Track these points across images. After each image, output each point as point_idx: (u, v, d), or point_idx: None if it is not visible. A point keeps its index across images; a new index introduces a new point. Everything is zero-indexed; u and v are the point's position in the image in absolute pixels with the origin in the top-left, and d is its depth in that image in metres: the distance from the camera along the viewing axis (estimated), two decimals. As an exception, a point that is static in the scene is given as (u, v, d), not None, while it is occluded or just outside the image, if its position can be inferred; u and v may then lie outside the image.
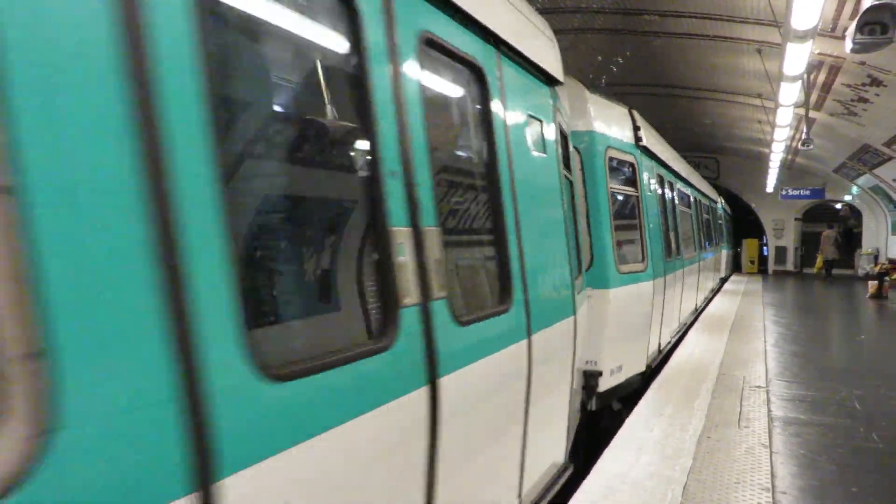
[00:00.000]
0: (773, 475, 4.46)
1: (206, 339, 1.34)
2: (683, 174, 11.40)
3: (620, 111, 7.30)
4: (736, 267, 28.41)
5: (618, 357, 6.54)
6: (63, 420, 1.10)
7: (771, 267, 28.16)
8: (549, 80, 4.15)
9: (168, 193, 1.30)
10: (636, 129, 7.42)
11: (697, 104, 18.61)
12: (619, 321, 6.46)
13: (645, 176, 7.74)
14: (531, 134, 3.67)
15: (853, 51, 6.22)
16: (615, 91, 17.03)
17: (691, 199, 12.56)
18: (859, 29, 5.93)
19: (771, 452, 4.92)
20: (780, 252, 28.08)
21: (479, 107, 3.12)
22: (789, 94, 9.11)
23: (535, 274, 3.43)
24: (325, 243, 3.44)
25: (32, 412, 1.07)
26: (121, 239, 1.22)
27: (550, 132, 4.07)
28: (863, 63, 10.43)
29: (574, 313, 4.17)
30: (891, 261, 20.39)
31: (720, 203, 20.43)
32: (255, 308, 2.20)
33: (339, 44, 2.23)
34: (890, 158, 16.38)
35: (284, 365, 1.59)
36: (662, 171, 9.16)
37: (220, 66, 2.20)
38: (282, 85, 2.95)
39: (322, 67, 2.62)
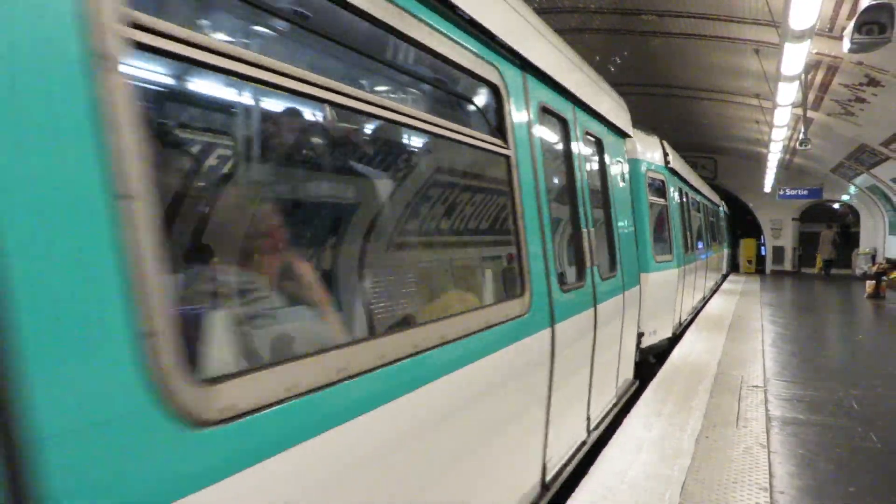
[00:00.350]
0: (771, 475, 4.47)
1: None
2: (696, 185, 13.94)
3: (654, 141, 9.40)
4: (733, 267, 28.44)
5: (653, 324, 8.37)
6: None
7: (769, 267, 28.17)
8: (624, 135, 6.31)
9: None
10: (665, 154, 9.61)
11: (695, 104, 18.63)
12: (654, 297, 8.35)
13: (671, 189, 10.00)
14: (618, 171, 5.99)
15: (851, 51, 6.23)
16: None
17: (701, 205, 14.84)
18: (857, 29, 5.94)
19: (769, 452, 4.92)
20: (778, 252, 28.09)
21: (598, 158, 5.45)
22: (787, 94, 9.11)
23: (625, 255, 5.78)
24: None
25: None
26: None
27: (626, 168, 6.39)
28: (860, 63, 10.44)
29: (639, 283, 6.46)
30: (888, 260, 20.43)
31: (722, 206, 22.38)
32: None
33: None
34: (887, 158, 16.40)
35: None
36: (682, 185, 11.40)
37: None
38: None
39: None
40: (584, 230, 4.44)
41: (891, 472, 4.68)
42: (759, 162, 23.48)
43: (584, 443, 4.57)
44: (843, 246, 26.08)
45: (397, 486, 2.09)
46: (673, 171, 10.09)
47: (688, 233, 11.42)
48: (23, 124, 1.05)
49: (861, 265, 24.16)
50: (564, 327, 3.72)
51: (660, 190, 9.33)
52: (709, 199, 17.11)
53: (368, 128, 3.87)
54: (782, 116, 11.10)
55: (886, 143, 14.96)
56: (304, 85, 1.75)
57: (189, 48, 1.37)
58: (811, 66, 11.11)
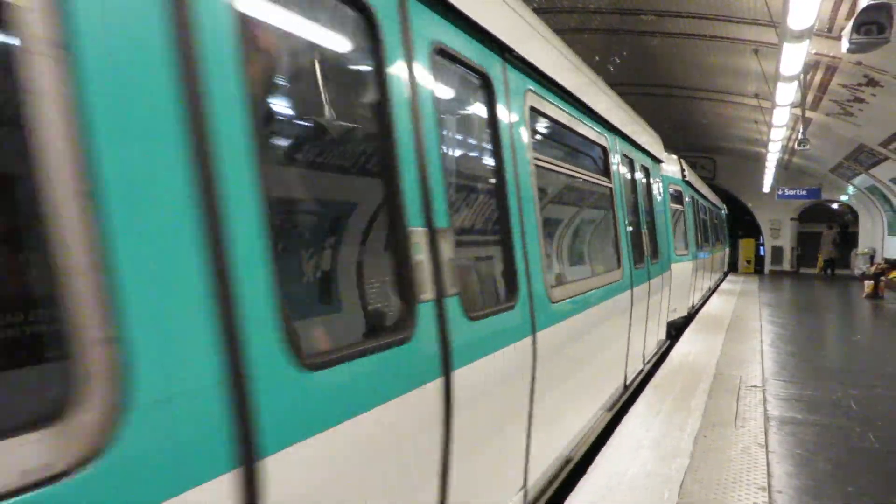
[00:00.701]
0: (769, 474, 4.48)
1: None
2: (704, 193, 16.68)
3: (674, 158, 11.76)
4: (732, 267, 28.43)
5: (674, 304, 10.20)
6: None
7: (767, 267, 28.18)
8: (658, 160, 8.45)
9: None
10: (682, 169, 12.07)
11: (694, 104, 18.64)
12: (675, 283, 9.93)
13: (686, 197, 12.43)
14: (657, 188, 8.28)
15: (850, 51, 6.24)
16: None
17: (707, 209, 17.12)
18: (856, 29, 5.95)
19: (767, 452, 4.93)
20: (777, 252, 28.09)
21: (645, 181, 7.52)
22: (786, 94, 9.12)
23: (662, 248, 8.04)
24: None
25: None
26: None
27: (661, 185, 8.69)
28: (859, 63, 10.45)
29: (670, 269, 8.85)
30: (887, 261, 20.45)
31: (724, 210, 24.33)
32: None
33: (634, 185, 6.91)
34: (886, 158, 16.42)
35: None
36: (694, 193, 13.80)
37: None
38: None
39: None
40: (644, 231, 6.98)
41: (889, 472, 4.68)
42: (758, 162, 23.49)
43: (641, 371, 7.10)
44: (843, 246, 26.16)
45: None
46: (687, 183, 12.58)
47: (698, 233, 13.66)
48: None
49: (860, 265, 24.20)
50: (636, 290, 6.20)
51: (678, 198, 11.55)
52: (713, 204, 19.50)
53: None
54: (781, 116, 11.11)
55: (885, 143, 14.97)
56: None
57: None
58: (810, 67, 11.12)
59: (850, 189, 24.02)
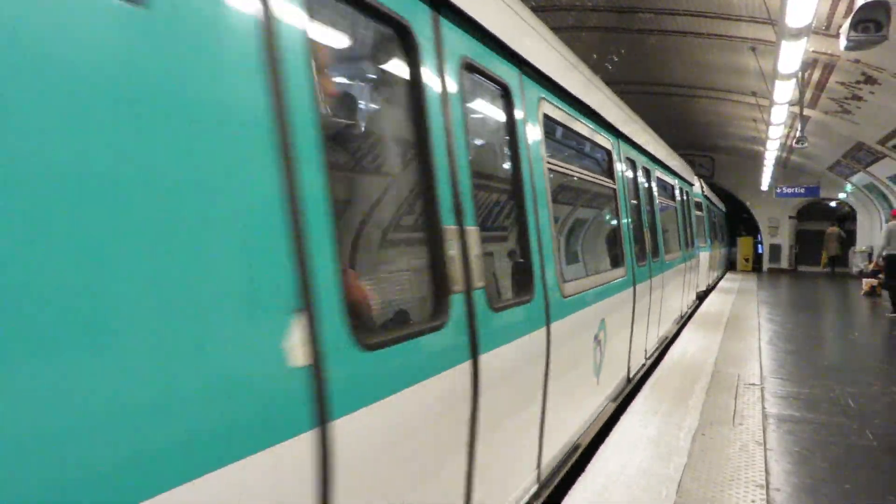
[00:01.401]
0: (767, 472, 4.48)
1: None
2: (715, 202, 21.29)
3: (696, 178, 14.69)
4: (730, 265, 28.46)
5: (699, 280, 13.62)
6: None
7: (766, 265, 28.21)
8: (691, 184, 11.23)
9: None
10: (702, 186, 15.91)
11: (692, 102, 18.66)
12: (701, 265, 13.45)
13: (704, 207, 16.12)
14: (690, 203, 11.85)
15: (848, 48, 6.24)
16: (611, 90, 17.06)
17: (715, 213, 20.97)
18: (854, 26, 5.95)
19: (765, 450, 4.94)
20: (775, 250, 28.13)
21: (687, 199, 11.47)
22: (784, 92, 9.13)
23: (696, 241, 12.11)
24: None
25: None
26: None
27: (693, 201, 12.31)
28: (857, 61, 10.46)
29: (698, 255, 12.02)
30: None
31: (723, 211, 26.04)
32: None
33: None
34: (884, 156, 16.44)
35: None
36: (709, 204, 17.96)
37: None
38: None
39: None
40: (688, 230, 9.96)
41: (886, 470, 4.69)
42: (756, 160, 23.53)
43: (685, 313, 10.49)
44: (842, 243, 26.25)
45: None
46: (706, 197, 16.91)
47: (711, 232, 17.98)
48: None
49: (858, 263, 24.23)
50: (688, 263, 9.37)
51: (699, 207, 14.92)
52: (720, 209, 23.29)
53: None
54: (779, 114, 11.12)
55: (883, 141, 14.99)
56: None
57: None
58: (808, 65, 11.13)
59: (849, 187, 24.06)
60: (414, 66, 2.48)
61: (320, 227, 1.82)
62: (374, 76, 3.06)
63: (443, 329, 2.48)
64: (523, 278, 3.48)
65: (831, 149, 18.90)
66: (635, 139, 6.75)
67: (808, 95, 12.93)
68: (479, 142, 3.84)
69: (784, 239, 27.99)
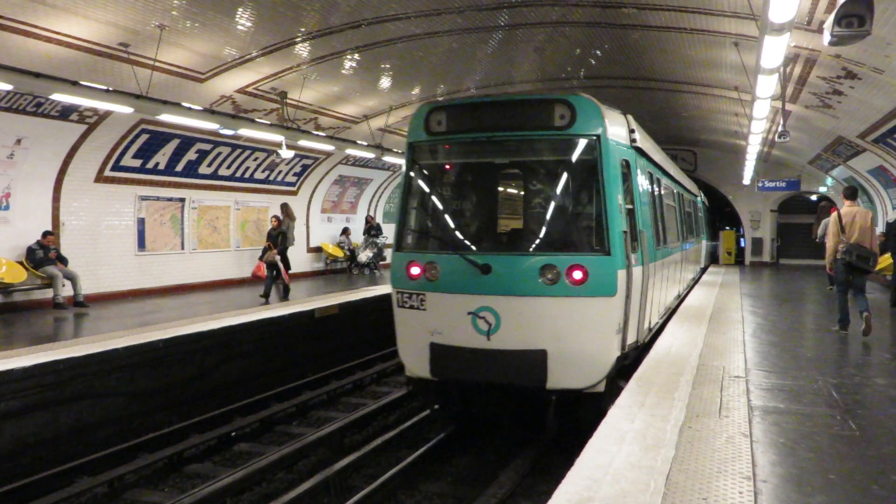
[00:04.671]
0: (753, 464, 4.53)
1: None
2: (707, 205, 26.12)
3: (702, 194, 23.08)
4: (713, 258, 28.71)
5: (706, 256, 23.83)
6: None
7: (748, 258, 28.47)
8: (697, 196, 20.06)
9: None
10: (702, 195, 23.13)
11: (675, 97, 18.72)
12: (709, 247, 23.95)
13: (703, 210, 22.51)
14: (699, 207, 20.68)
15: (831, 43, 6.28)
16: (594, 84, 17.14)
17: (711, 213, 27.52)
18: (837, 21, 5.99)
19: (751, 441, 4.99)
20: (757, 243, 28.37)
21: (696, 205, 19.82)
22: (766, 86, 9.18)
23: (705, 232, 22.75)
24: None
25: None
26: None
27: (698, 207, 20.62)
28: (838, 56, 10.56)
29: (708, 240, 24.22)
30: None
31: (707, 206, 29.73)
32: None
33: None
34: (864, 150, 16.63)
35: None
36: (705, 207, 23.97)
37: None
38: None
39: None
40: (696, 224, 17.84)
41: (869, 459, 4.76)
42: (738, 154, 23.69)
43: (695, 279, 18.18)
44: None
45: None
46: (704, 203, 23.02)
47: (708, 227, 24.59)
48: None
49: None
50: (703, 244, 20.09)
51: (702, 210, 21.73)
52: (708, 207, 26.49)
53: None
54: (762, 109, 11.19)
55: (863, 135, 15.16)
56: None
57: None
58: (789, 59, 11.21)
59: (829, 180, 24.32)
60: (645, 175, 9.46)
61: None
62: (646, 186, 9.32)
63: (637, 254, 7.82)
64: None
65: (812, 143, 19.08)
66: (680, 180, 14.51)
67: (789, 90, 13.03)
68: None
69: (766, 232, 28.25)
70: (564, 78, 16.93)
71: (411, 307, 7.35)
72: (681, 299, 13.90)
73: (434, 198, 7.97)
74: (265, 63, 12.78)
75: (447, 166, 8.20)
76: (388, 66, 14.65)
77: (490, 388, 7.33)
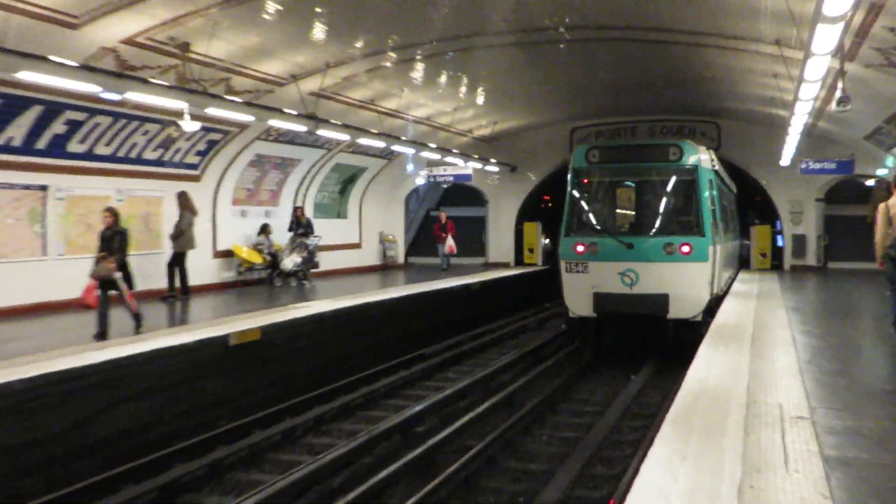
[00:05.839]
0: (841, 534, 4.47)
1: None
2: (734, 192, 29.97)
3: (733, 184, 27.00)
4: (744, 262, 28.63)
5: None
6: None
7: (787, 261, 28.43)
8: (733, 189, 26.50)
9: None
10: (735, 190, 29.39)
11: (696, 53, 18.90)
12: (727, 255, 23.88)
13: (735, 204, 27.37)
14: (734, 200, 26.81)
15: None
16: (583, 37, 17.21)
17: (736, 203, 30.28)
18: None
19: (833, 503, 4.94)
20: (799, 242, 28.22)
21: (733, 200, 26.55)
22: (827, 39, 9.23)
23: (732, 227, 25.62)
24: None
25: None
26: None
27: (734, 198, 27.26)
28: (913, 0, 10.71)
29: (743, 240, 29.74)
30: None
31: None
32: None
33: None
34: (937, 122, 16.96)
35: None
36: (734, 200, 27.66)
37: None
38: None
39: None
40: (730, 223, 22.04)
41: None
42: (774, 127, 23.93)
43: (731, 278, 22.36)
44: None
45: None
46: (733, 192, 26.26)
47: (735, 222, 26.47)
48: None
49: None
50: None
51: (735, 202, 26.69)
52: (739, 201, 29.56)
53: None
54: (817, 69, 11.29)
55: (938, 102, 15.46)
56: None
57: None
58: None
59: (890, 160, 24.62)
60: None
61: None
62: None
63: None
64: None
65: (870, 112, 19.32)
66: (729, 184, 23.70)
67: (846, 44, 13.22)
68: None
69: (810, 228, 28.12)
70: (544, 28, 16.82)
71: (577, 272, 15.41)
72: (728, 285, 20.51)
73: (595, 202, 16.65)
74: (160, 4, 12.46)
75: (601, 182, 16.75)
76: (323, 10, 14.44)
77: (631, 318, 15.32)
